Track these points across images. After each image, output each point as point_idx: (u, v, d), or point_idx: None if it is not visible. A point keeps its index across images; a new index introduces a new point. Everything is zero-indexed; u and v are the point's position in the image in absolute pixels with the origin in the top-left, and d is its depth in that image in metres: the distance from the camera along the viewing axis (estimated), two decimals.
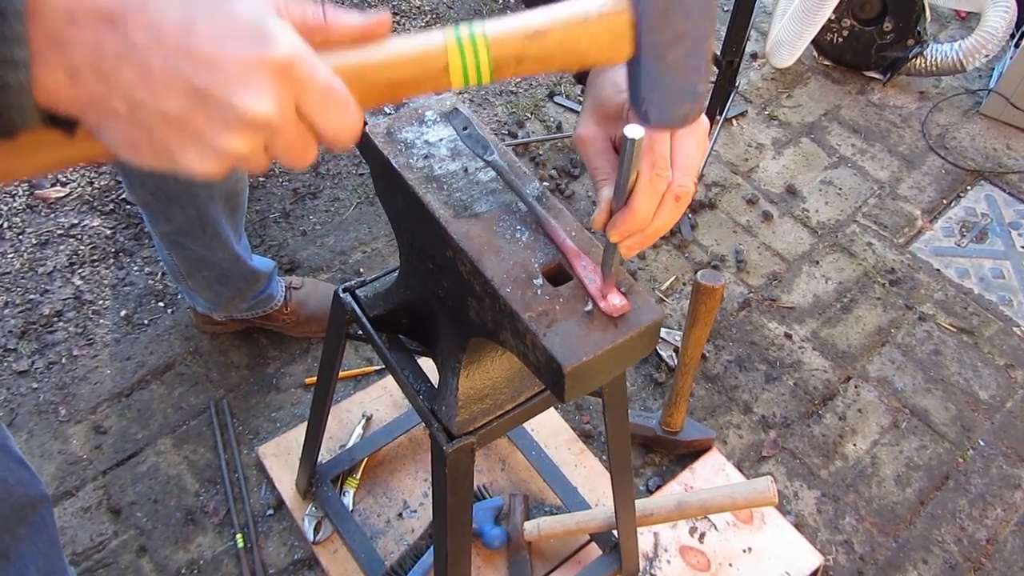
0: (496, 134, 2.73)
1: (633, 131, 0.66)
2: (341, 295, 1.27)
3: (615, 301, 0.85)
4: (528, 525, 1.74)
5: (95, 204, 2.47)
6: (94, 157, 0.57)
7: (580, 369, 0.81)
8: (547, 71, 0.64)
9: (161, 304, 2.24)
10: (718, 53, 2.18)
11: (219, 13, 0.51)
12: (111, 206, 2.47)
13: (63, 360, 2.12)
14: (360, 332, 1.27)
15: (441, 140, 1.03)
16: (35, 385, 2.06)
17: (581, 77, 0.90)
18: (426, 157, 1.00)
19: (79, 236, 2.38)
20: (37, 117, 0.51)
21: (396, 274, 1.26)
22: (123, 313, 2.21)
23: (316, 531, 1.80)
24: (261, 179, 2.58)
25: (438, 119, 1.05)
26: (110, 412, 2.03)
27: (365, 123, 1.06)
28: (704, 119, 0.76)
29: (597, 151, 0.81)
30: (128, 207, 2.46)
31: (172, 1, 0.50)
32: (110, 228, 2.41)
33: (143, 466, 1.94)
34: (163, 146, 0.53)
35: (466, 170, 0.99)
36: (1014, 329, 2.35)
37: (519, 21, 0.60)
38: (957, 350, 2.29)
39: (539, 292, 0.86)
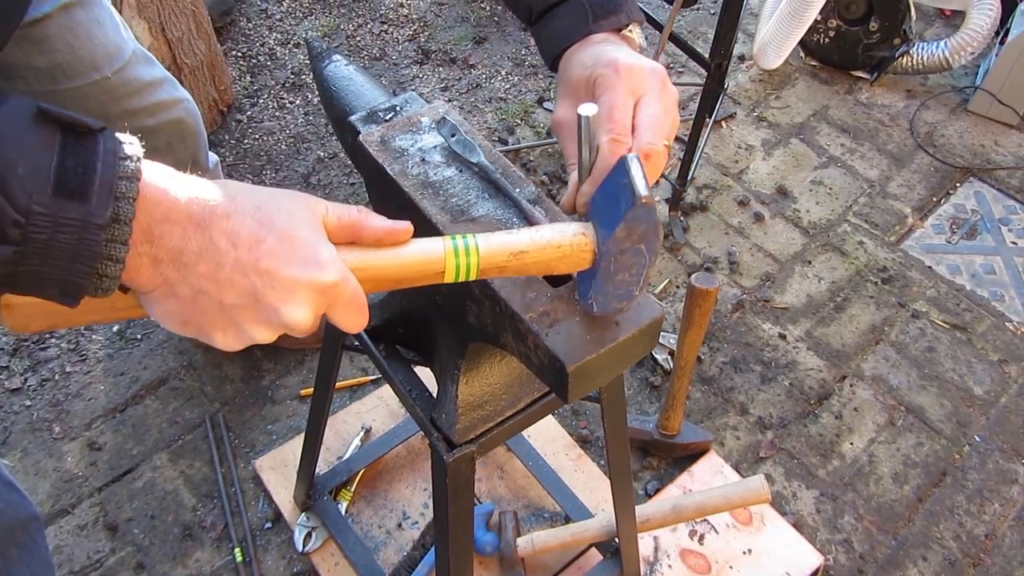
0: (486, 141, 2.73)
1: (586, 109, 0.78)
2: None
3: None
4: (522, 541, 1.73)
5: None
6: (130, 317, 0.68)
7: (583, 368, 0.80)
8: (521, 275, 0.79)
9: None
10: (707, 56, 2.18)
11: (284, 234, 0.62)
12: None
13: (56, 377, 2.10)
14: (356, 343, 1.27)
15: (435, 147, 1.02)
16: (28, 403, 2.05)
17: (554, 64, 0.93)
18: (421, 163, 1.00)
19: None
20: (113, 291, 0.59)
21: None
22: (115, 328, 2.20)
23: (306, 541, 1.79)
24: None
25: (432, 126, 1.05)
26: (104, 428, 2.01)
27: (359, 132, 1.06)
28: (671, 87, 0.84)
29: (570, 135, 0.83)
30: None
31: (248, 217, 0.61)
32: None
33: (139, 482, 1.92)
34: (209, 327, 0.63)
35: (460, 171, 0.99)
36: (1006, 324, 2.36)
37: (505, 240, 0.74)
38: (951, 346, 2.30)
39: (539, 293, 0.86)
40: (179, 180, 0.60)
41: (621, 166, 0.73)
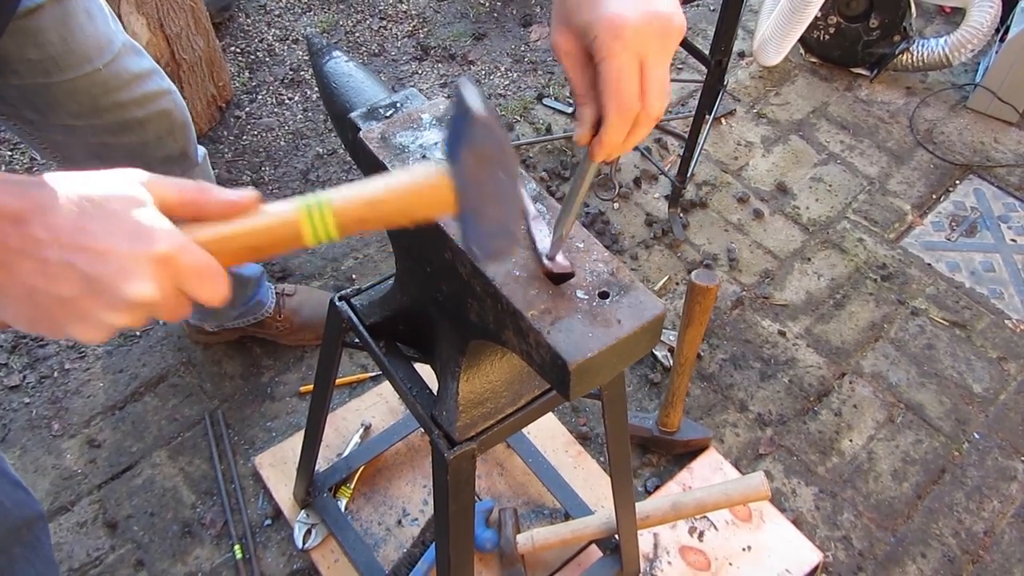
0: None
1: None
2: (337, 304, 1.27)
3: (560, 261, 0.88)
4: (521, 538, 1.73)
5: None
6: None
7: (585, 365, 0.80)
8: (388, 227, 0.75)
9: None
10: (707, 53, 2.18)
11: (106, 214, 0.60)
12: None
13: (55, 374, 2.10)
14: (357, 340, 1.27)
15: (436, 144, 1.02)
16: (27, 400, 2.05)
17: None
18: (422, 160, 0.99)
19: None
20: None
21: (392, 281, 1.26)
22: None
23: (305, 538, 1.79)
24: (251, 188, 2.57)
25: (433, 122, 1.05)
26: (104, 425, 2.01)
27: (359, 129, 1.05)
28: (675, 18, 0.76)
29: (575, 63, 0.78)
30: None
31: (69, 204, 0.60)
32: None
33: (138, 479, 1.92)
34: (56, 322, 0.61)
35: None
36: (1006, 322, 2.36)
37: (359, 190, 0.71)
38: (950, 344, 2.30)
39: (541, 290, 0.86)
40: None
41: (456, 93, 0.71)
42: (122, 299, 0.61)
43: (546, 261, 0.89)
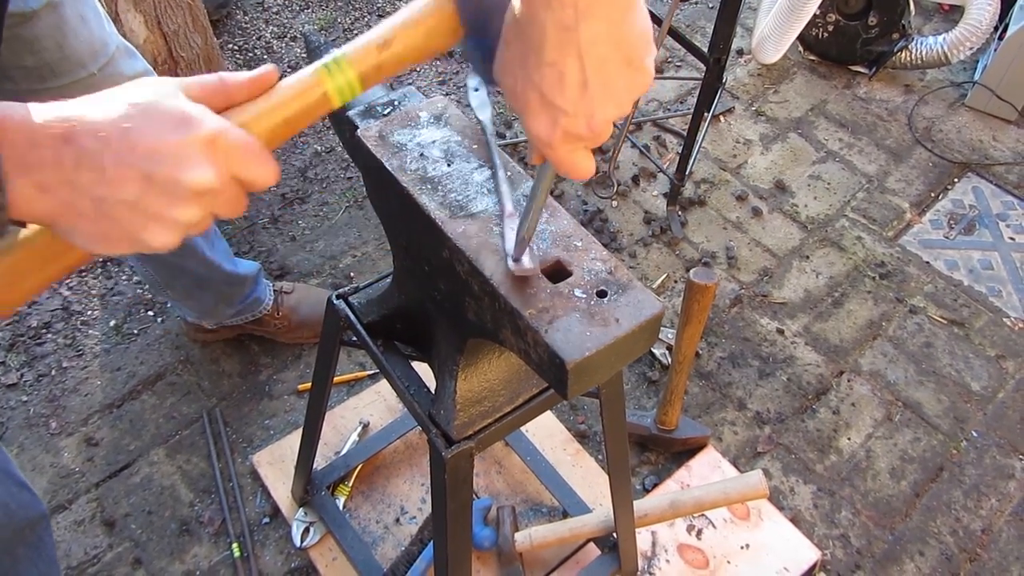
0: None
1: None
2: (335, 302, 1.26)
3: (524, 263, 0.87)
4: (519, 536, 1.73)
5: None
6: (76, 264, 0.68)
7: (583, 364, 0.80)
8: (406, 68, 0.75)
9: (151, 313, 2.22)
10: (705, 51, 2.17)
11: (147, 112, 0.62)
12: None
13: (52, 372, 2.10)
14: (355, 339, 1.27)
15: (434, 142, 1.02)
16: (25, 398, 2.04)
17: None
18: (420, 158, 0.99)
19: None
20: (5, 228, 0.60)
21: (389, 280, 1.25)
22: (112, 323, 2.19)
23: (303, 536, 1.79)
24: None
25: (431, 120, 1.04)
26: (101, 424, 2.01)
27: (357, 127, 1.05)
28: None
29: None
30: None
31: (109, 110, 0.61)
32: None
33: (136, 477, 1.92)
34: (129, 230, 0.63)
35: (459, 167, 0.98)
36: (1004, 320, 2.36)
37: (368, 37, 0.73)
38: (948, 342, 2.30)
39: (539, 289, 0.86)
40: (34, 108, 0.61)
41: None
42: (183, 187, 0.62)
43: (511, 263, 0.87)
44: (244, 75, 0.69)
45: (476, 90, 1.04)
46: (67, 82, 1.41)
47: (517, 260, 0.87)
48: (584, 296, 0.86)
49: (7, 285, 0.65)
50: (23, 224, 0.63)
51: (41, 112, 0.60)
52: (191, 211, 0.63)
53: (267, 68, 0.70)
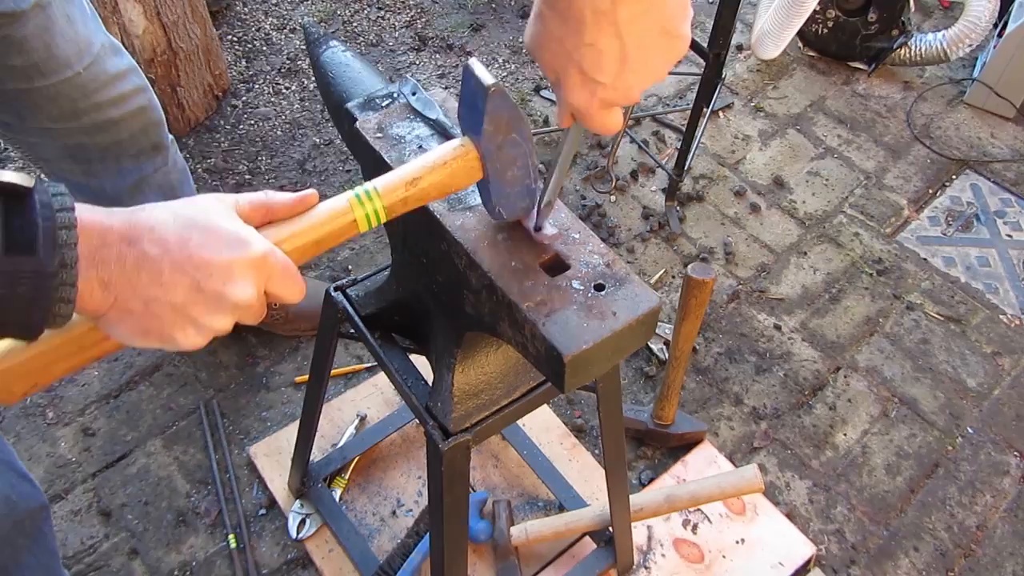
0: None
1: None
2: (332, 294, 1.27)
3: (547, 230, 0.91)
4: (515, 530, 1.73)
5: None
6: (105, 354, 0.73)
7: (580, 358, 0.80)
8: (427, 201, 0.85)
9: None
10: (705, 46, 2.17)
11: (206, 228, 0.68)
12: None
13: None
14: (352, 331, 1.27)
15: (432, 134, 1.02)
16: None
17: None
18: (418, 151, 0.99)
19: None
20: (67, 321, 0.65)
21: (387, 272, 1.26)
22: None
23: (300, 528, 1.79)
24: (248, 177, 2.56)
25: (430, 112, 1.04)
26: (98, 414, 2.01)
27: (355, 120, 1.05)
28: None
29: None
30: None
31: (171, 222, 0.68)
32: None
33: (133, 468, 1.92)
34: (168, 330, 0.69)
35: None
36: (1000, 317, 2.36)
37: (399, 175, 0.81)
38: (945, 339, 2.30)
39: (536, 282, 0.86)
40: (107, 212, 0.66)
41: (466, 72, 0.80)
42: (226, 301, 0.69)
43: (533, 232, 0.90)
44: (288, 198, 0.77)
45: (414, 94, 1.06)
46: (54, 81, 1.41)
47: (539, 229, 0.91)
48: (582, 289, 0.86)
49: (42, 368, 0.70)
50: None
51: (113, 215, 0.66)
52: (225, 320, 0.71)
53: (309, 192, 0.78)
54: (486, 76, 0.77)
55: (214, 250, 0.68)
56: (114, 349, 0.73)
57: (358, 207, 0.78)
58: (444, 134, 1.01)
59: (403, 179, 0.81)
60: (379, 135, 1.01)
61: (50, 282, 0.61)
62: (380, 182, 0.80)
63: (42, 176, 0.63)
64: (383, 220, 0.81)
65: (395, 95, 1.08)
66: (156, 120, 1.69)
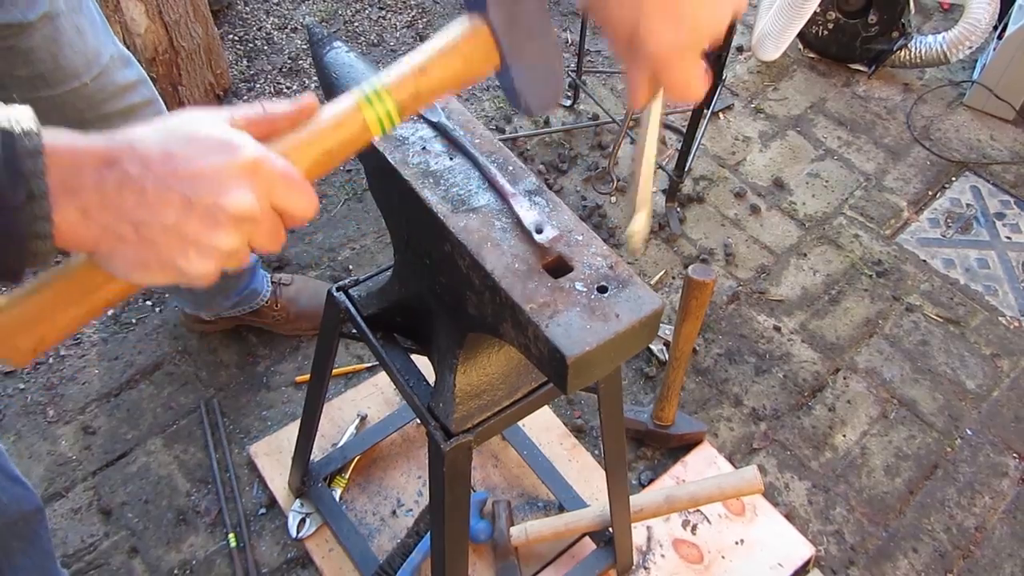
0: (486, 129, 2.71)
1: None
2: (335, 294, 1.27)
3: (550, 233, 0.90)
4: (515, 530, 1.73)
5: None
6: (115, 298, 0.67)
7: (583, 359, 0.81)
8: (442, 96, 0.76)
9: (149, 303, 2.23)
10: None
11: (190, 136, 0.62)
12: None
13: (50, 360, 2.10)
14: (354, 331, 1.27)
15: (436, 136, 1.02)
16: (22, 386, 2.04)
17: None
18: (422, 152, 1.00)
19: None
20: (50, 259, 0.60)
21: (390, 272, 1.26)
22: (110, 312, 2.19)
23: (300, 527, 1.79)
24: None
25: (434, 114, 1.05)
26: (99, 412, 2.01)
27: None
28: None
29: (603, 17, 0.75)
30: None
31: (152, 136, 0.62)
32: None
33: (133, 466, 1.92)
34: (168, 256, 0.62)
35: (461, 161, 0.99)
36: (999, 319, 2.37)
37: (405, 65, 0.72)
38: (944, 340, 2.31)
39: (540, 284, 0.86)
40: (80, 135, 0.61)
41: None
42: (224, 212, 0.62)
43: (536, 235, 0.89)
44: (286, 103, 0.69)
45: None
46: (60, 92, 1.41)
47: (540, 229, 0.89)
48: (585, 291, 0.86)
49: (46, 317, 0.65)
50: (66, 254, 0.64)
51: (87, 137, 0.61)
52: (230, 238, 0.63)
53: (307, 97, 0.70)
54: None
55: (201, 159, 0.62)
56: (122, 292, 0.67)
57: (368, 108, 0.70)
58: (446, 136, 1.02)
59: (411, 70, 0.72)
60: (382, 137, 1.01)
61: (20, 216, 0.56)
62: (387, 78, 0.71)
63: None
64: (396, 122, 0.72)
65: None
66: (161, 113, 1.69)
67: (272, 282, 2.08)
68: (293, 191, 0.66)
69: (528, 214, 0.92)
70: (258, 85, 2.86)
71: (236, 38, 3.02)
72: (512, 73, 0.75)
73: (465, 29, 0.73)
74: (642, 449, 2.02)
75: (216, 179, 0.61)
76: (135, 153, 0.60)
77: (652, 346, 2.20)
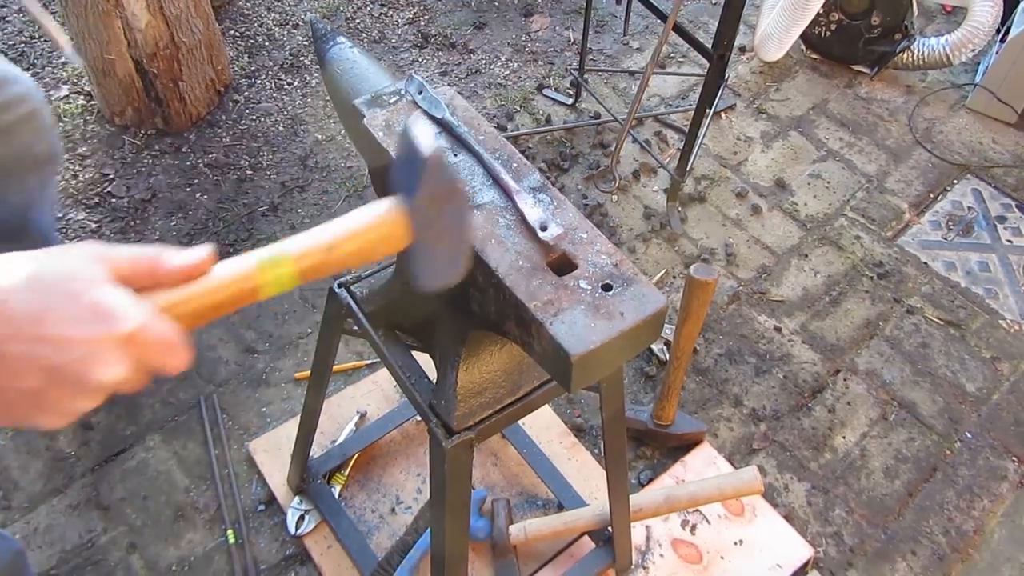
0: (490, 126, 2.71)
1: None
2: (337, 291, 1.26)
3: (554, 230, 0.90)
4: (514, 528, 1.73)
5: (79, 198, 2.44)
6: None
7: (587, 357, 0.80)
8: (347, 268, 0.76)
9: None
10: (709, 47, 2.17)
11: (66, 294, 0.58)
12: (96, 200, 2.44)
13: None
14: (355, 327, 1.26)
15: (440, 132, 1.02)
16: None
17: None
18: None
19: (63, 230, 2.35)
20: None
21: (391, 269, 1.25)
22: None
23: (299, 524, 1.79)
24: (249, 172, 2.56)
25: (437, 109, 1.04)
26: (97, 408, 2.00)
27: (362, 117, 1.05)
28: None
29: None
30: (113, 201, 2.43)
31: (22, 291, 0.57)
32: (95, 222, 2.38)
33: (132, 462, 1.92)
34: (21, 415, 0.59)
35: (465, 157, 0.98)
36: (1000, 322, 2.37)
37: (316, 238, 0.73)
38: (944, 343, 2.31)
39: (544, 282, 0.86)
40: None
41: (406, 133, 0.75)
42: (90, 385, 0.59)
43: (540, 231, 0.89)
44: (180, 260, 0.65)
45: (420, 93, 1.05)
46: None
47: (545, 228, 0.90)
48: (589, 289, 0.86)
49: None
50: None
51: None
52: (90, 402, 0.60)
53: (205, 253, 0.66)
54: (425, 141, 0.73)
55: (75, 326, 0.57)
56: None
57: (266, 272, 0.69)
58: (450, 132, 1.01)
59: (321, 244, 0.72)
60: (387, 132, 1.01)
61: None
62: (294, 246, 0.72)
63: None
64: (294, 285, 0.72)
65: (402, 92, 1.08)
66: (48, 126, 1.67)
67: None
68: (167, 355, 0.62)
69: (532, 211, 0.91)
70: (259, 81, 2.85)
71: (237, 34, 3.02)
72: (417, 255, 0.78)
73: (384, 213, 0.75)
74: (642, 448, 2.02)
75: (88, 350, 0.58)
76: (3, 313, 0.56)
77: (653, 345, 2.20)
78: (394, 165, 0.78)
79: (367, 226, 0.74)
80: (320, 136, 2.70)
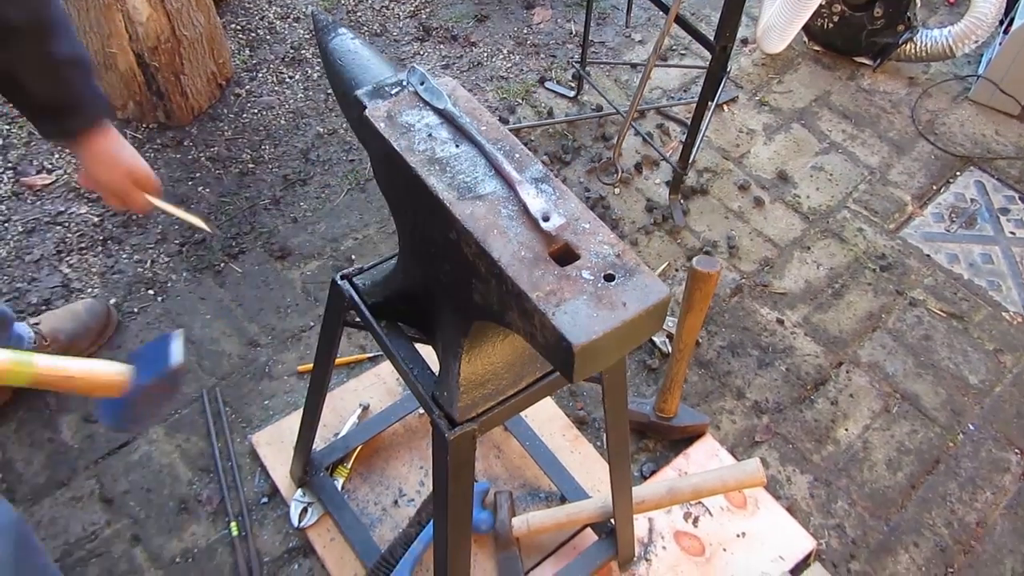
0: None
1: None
2: (339, 282, 1.26)
3: (556, 220, 0.90)
4: (516, 521, 1.73)
5: (82, 191, 2.44)
6: None
7: (589, 348, 0.80)
8: (69, 393, 1.06)
9: (151, 292, 2.22)
10: (711, 39, 2.16)
11: (134, 155, 0.82)
12: (98, 194, 2.43)
13: (52, 350, 2.09)
14: (358, 319, 1.27)
15: (442, 123, 1.02)
16: None
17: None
18: (428, 139, 0.99)
19: (66, 224, 2.35)
20: None
21: (394, 261, 1.25)
22: (112, 301, 2.19)
23: (302, 516, 1.79)
24: (251, 166, 2.56)
25: (439, 101, 1.04)
26: (100, 401, 2.00)
27: (364, 108, 1.04)
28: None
29: None
30: None
31: (130, 152, 0.83)
32: (97, 215, 2.38)
33: (135, 455, 1.92)
34: (124, 196, 0.90)
35: (467, 148, 0.98)
36: (1003, 314, 2.36)
37: (65, 364, 1.01)
38: (947, 335, 2.30)
39: (546, 272, 0.86)
40: None
41: (166, 338, 1.05)
42: (140, 184, 0.88)
43: (542, 223, 0.89)
44: None
45: (422, 84, 1.05)
46: None
47: (548, 219, 0.90)
48: (592, 279, 0.86)
49: None
50: None
51: None
52: (143, 202, 0.79)
53: None
54: (178, 354, 1.03)
55: (140, 162, 0.80)
56: None
57: (12, 365, 0.95)
58: (452, 123, 1.01)
59: (63, 372, 0.99)
60: (388, 123, 1.01)
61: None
62: (46, 359, 0.97)
63: None
64: (26, 384, 0.95)
65: (404, 83, 1.08)
66: None
67: (30, 325, 1.99)
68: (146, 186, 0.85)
69: (535, 202, 0.91)
70: (260, 74, 2.85)
71: (238, 27, 3.01)
72: (114, 406, 1.04)
73: (115, 373, 1.02)
74: (644, 441, 2.02)
75: (143, 173, 0.74)
76: (130, 154, 0.74)
77: (655, 338, 2.20)
78: (144, 348, 1.08)
79: (91, 373, 1.01)
80: (322, 129, 2.70)
